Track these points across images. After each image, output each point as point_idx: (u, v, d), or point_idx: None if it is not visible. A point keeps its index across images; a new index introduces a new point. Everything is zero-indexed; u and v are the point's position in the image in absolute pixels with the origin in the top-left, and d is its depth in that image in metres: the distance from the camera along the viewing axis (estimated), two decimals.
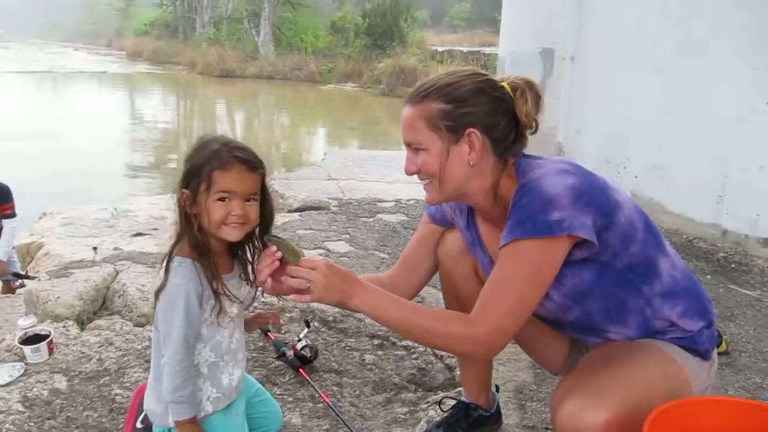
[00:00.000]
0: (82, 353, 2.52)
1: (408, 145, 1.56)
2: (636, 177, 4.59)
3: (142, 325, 2.82)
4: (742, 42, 3.91)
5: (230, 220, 1.48)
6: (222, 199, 1.47)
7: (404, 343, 2.69)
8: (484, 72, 1.59)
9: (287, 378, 2.42)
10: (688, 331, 1.57)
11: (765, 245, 3.91)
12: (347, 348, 2.67)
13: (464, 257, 1.81)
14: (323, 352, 2.60)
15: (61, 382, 2.30)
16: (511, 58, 5.76)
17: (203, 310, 1.51)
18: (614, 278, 1.52)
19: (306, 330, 2.58)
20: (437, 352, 2.61)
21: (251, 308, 1.76)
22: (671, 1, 4.31)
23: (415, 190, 5.46)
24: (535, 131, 1.57)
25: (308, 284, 1.45)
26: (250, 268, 1.62)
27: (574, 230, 1.39)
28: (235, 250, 1.61)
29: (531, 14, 5.64)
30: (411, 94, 1.57)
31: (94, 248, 4.75)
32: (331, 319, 2.86)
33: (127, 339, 2.65)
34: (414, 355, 2.62)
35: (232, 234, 1.50)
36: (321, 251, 3.83)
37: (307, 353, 2.47)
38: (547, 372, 2.11)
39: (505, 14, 6.15)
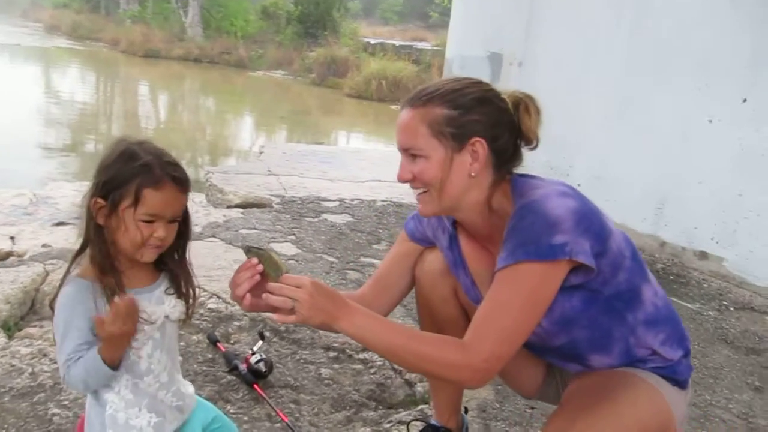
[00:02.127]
0: (12, 366, 2.28)
1: (405, 150, 1.48)
2: (579, 185, 4.63)
3: None
4: (687, 62, 4.04)
5: (151, 242, 1.37)
6: (149, 221, 1.35)
7: (361, 356, 2.60)
8: (486, 81, 1.53)
9: (241, 395, 2.28)
10: (669, 360, 1.57)
11: (701, 258, 4.05)
12: (302, 361, 2.55)
13: (444, 278, 1.74)
14: (277, 365, 2.47)
15: None
16: (458, 60, 5.75)
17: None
18: (601, 306, 1.50)
19: (260, 343, 2.44)
20: (396, 366, 2.53)
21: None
22: (624, 20, 4.40)
23: (358, 189, 5.36)
24: (535, 147, 1.54)
25: (292, 304, 1.33)
26: (176, 280, 1.48)
27: (576, 255, 1.35)
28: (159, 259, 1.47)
29: (480, 18, 5.65)
30: (411, 96, 1.50)
31: (11, 238, 4.42)
32: (283, 329, 2.74)
33: None
34: (372, 370, 2.53)
35: (148, 256, 1.39)
36: None
37: (262, 367, 2.34)
38: (508, 388, 2.07)
39: (453, 16, 6.12)
